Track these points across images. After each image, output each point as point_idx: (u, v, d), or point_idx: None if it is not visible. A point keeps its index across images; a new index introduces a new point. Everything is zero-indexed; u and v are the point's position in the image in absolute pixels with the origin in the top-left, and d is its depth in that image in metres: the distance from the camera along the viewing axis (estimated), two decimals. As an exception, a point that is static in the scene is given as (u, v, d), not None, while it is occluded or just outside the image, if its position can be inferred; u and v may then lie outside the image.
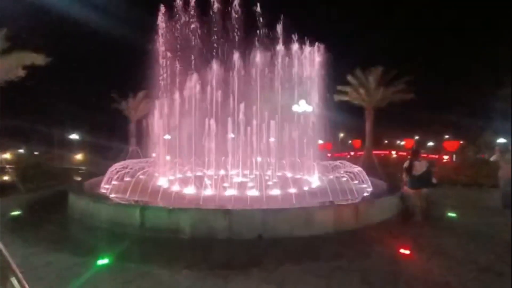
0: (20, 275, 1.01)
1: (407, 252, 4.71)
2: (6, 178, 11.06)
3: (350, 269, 4.07)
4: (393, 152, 37.70)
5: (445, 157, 30.00)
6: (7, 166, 11.56)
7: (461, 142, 36.47)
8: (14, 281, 0.97)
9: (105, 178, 8.33)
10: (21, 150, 27.82)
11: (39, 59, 12.12)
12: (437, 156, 30.84)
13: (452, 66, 46.01)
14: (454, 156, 29.67)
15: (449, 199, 8.97)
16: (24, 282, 1.00)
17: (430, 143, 45.60)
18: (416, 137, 46.07)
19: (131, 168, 9.06)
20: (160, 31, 11.00)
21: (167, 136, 11.63)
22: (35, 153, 27.61)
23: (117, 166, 8.87)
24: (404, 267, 4.20)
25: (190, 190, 8.21)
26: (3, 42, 11.42)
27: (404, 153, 34.20)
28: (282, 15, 11.24)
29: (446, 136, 40.26)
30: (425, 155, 27.79)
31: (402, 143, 48.41)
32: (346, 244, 5.05)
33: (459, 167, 16.57)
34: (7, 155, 18.80)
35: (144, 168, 8.94)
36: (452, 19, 46.90)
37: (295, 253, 4.62)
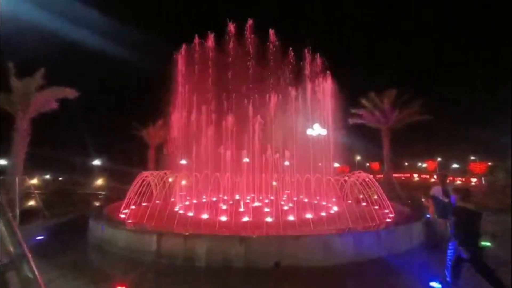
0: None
1: (438, 285, 4.33)
2: (32, 203, 11.58)
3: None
4: (415, 175, 35.99)
5: (473, 180, 28.27)
6: (35, 191, 12.13)
7: (490, 163, 34.41)
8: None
9: (124, 204, 8.52)
10: (47, 176, 29.32)
11: (70, 93, 13.25)
12: (463, 179, 29.11)
13: (475, 83, 45.01)
14: (483, 178, 27.92)
15: (480, 226, 8.30)
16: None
17: (455, 165, 43.33)
18: (439, 159, 44.11)
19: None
20: (180, 64, 11.75)
21: (183, 161, 11.90)
22: (60, 178, 28.98)
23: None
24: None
25: (205, 215, 8.18)
26: (40, 79, 12.67)
27: (427, 176, 32.60)
28: (295, 41, 11.76)
29: (472, 158, 38.25)
30: (450, 178, 26.42)
31: (424, 165, 46.42)
32: (370, 275, 4.73)
33: (489, 191, 15.51)
34: (34, 181, 19.82)
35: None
36: (475, 35, 46.68)
37: (314, 284, 4.38)
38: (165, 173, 9.72)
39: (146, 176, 9.03)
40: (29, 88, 12.67)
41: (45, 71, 13.08)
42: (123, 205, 8.45)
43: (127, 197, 8.58)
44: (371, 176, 8.67)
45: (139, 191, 8.73)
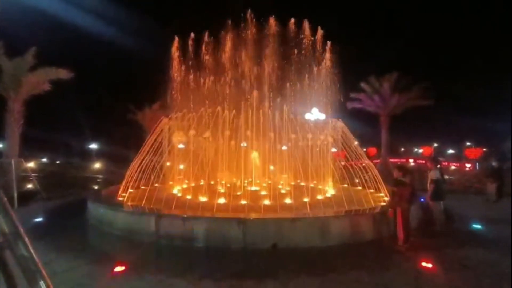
0: (48, 280, 1.05)
1: (429, 265, 4.48)
2: (30, 186, 11.58)
3: (370, 282, 3.92)
4: (411, 160, 36.42)
5: (467, 165, 28.70)
6: (32, 174, 12.09)
7: (484, 149, 34.79)
8: (42, 285, 1.02)
9: (122, 187, 8.54)
10: (44, 159, 29.18)
11: (64, 74, 12.84)
12: (458, 164, 29.54)
13: (472, 70, 44.58)
14: (477, 164, 28.34)
15: (473, 210, 8.54)
16: (52, 287, 1.04)
17: (450, 151, 43.83)
18: (435, 145, 44.48)
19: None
20: (176, 46, 11.38)
21: (181, 145, 11.82)
22: (57, 162, 28.90)
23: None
24: (426, 281, 3.99)
25: (203, 198, 8.25)
26: (32, 59, 12.23)
27: (423, 161, 32.95)
28: (295, 23, 11.37)
29: (468, 143, 38.62)
30: (445, 163, 26.76)
31: (420, 150, 46.83)
32: (364, 255, 4.87)
33: (482, 176, 15.76)
34: (31, 164, 19.74)
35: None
36: (473, 22, 45.67)
37: (311, 264, 4.51)
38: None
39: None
40: (20, 68, 12.27)
41: (36, 51, 12.61)
42: (122, 188, 8.48)
43: (125, 180, 8.59)
44: (371, 164, 8.89)
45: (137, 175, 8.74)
